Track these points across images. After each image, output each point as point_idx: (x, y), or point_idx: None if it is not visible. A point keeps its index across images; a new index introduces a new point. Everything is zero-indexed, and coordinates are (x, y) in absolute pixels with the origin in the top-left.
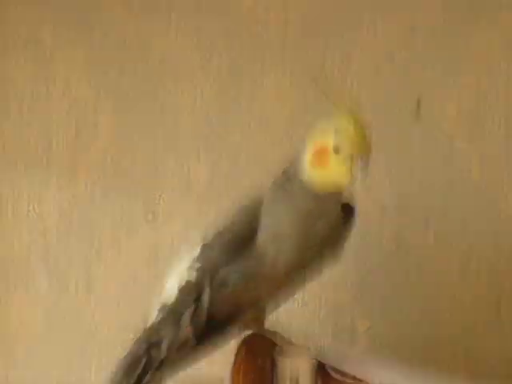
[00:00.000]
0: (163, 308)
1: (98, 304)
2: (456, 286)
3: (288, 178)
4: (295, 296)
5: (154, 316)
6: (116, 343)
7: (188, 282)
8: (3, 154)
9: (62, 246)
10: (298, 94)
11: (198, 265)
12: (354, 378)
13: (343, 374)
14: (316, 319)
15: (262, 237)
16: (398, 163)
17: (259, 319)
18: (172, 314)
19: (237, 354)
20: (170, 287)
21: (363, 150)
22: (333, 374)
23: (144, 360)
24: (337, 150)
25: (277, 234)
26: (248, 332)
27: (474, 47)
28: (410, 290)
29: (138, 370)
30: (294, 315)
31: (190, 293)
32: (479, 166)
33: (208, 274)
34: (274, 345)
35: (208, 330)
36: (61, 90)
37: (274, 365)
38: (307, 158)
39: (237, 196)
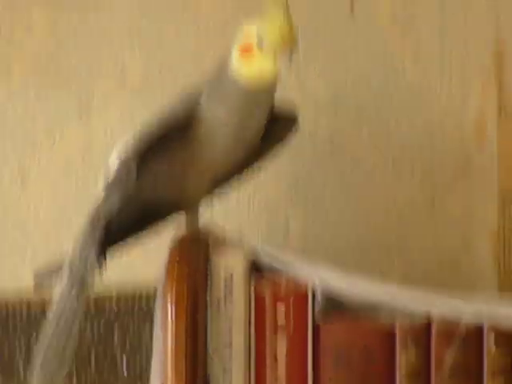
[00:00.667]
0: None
1: (32, 199)
2: (390, 187)
3: (219, 74)
4: (228, 195)
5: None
6: (50, 238)
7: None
8: None
9: None
10: None
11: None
12: (288, 275)
13: (278, 272)
14: (250, 219)
15: (199, 128)
16: (332, 62)
17: (193, 216)
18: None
19: (169, 256)
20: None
21: (287, 42)
22: (267, 272)
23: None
24: (260, 44)
25: (214, 126)
26: (181, 235)
27: None
28: (344, 191)
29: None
30: (228, 215)
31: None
32: (413, 65)
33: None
34: (208, 245)
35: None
36: None
37: (207, 266)
38: (234, 54)
39: (171, 90)
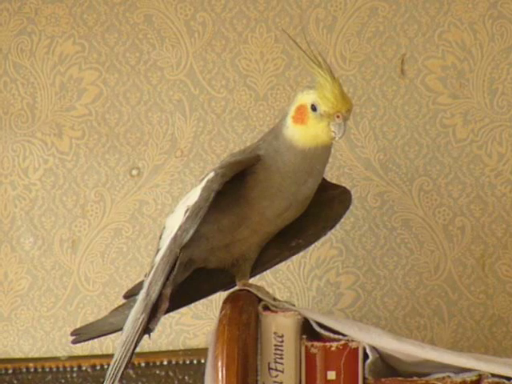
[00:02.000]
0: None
1: (83, 260)
2: (440, 247)
3: (275, 135)
4: None
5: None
6: (100, 299)
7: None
8: None
9: (46, 202)
10: (283, 50)
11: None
12: (339, 333)
13: (328, 329)
14: (300, 281)
15: (254, 187)
16: (382, 122)
17: (244, 274)
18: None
19: (222, 310)
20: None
21: (340, 107)
22: (317, 329)
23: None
24: (314, 108)
25: (268, 186)
26: (233, 289)
27: (459, 3)
28: (396, 251)
29: None
30: (278, 277)
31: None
32: (463, 125)
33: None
34: (259, 301)
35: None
36: (45, 46)
37: (258, 321)
38: (290, 115)
39: (221, 156)
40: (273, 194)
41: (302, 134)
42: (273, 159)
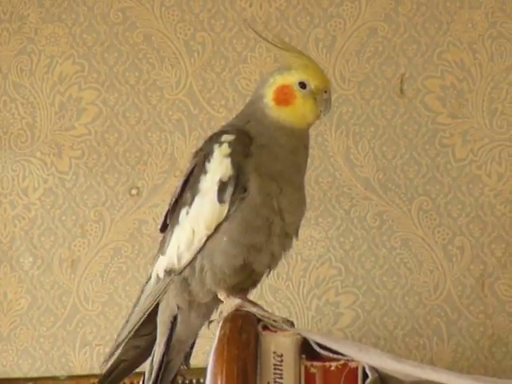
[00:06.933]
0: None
1: (82, 280)
2: (440, 267)
3: (257, 120)
4: (279, 276)
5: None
6: (99, 319)
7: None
8: None
9: (46, 222)
10: None
11: None
12: (338, 353)
13: (327, 349)
14: (300, 300)
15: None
16: (381, 142)
17: (242, 297)
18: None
19: (221, 330)
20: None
21: (327, 82)
22: (317, 348)
23: None
24: (303, 85)
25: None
26: (230, 316)
27: (458, 23)
28: (395, 271)
29: None
30: (278, 295)
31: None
32: (462, 145)
33: None
34: (259, 320)
35: None
36: (45, 66)
37: (258, 340)
38: (270, 98)
39: None
40: (271, 185)
41: (289, 114)
42: (264, 145)
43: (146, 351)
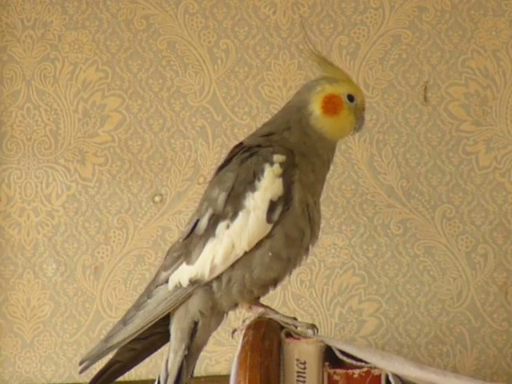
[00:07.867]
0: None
1: (105, 287)
2: (463, 274)
3: (301, 127)
4: (303, 283)
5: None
6: None
7: None
8: (11, 137)
9: (69, 228)
10: (306, 76)
11: None
12: (361, 360)
13: (350, 356)
14: (323, 307)
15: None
16: (405, 149)
17: (265, 305)
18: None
19: (244, 337)
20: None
21: (364, 102)
22: (340, 356)
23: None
24: (351, 98)
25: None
26: (253, 323)
27: (482, 31)
28: (418, 278)
29: None
30: (301, 298)
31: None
32: (486, 153)
33: None
34: (281, 327)
35: None
36: (69, 73)
37: (281, 347)
38: (319, 106)
39: None
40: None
41: (331, 125)
42: (305, 154)
43: (141, 354)
